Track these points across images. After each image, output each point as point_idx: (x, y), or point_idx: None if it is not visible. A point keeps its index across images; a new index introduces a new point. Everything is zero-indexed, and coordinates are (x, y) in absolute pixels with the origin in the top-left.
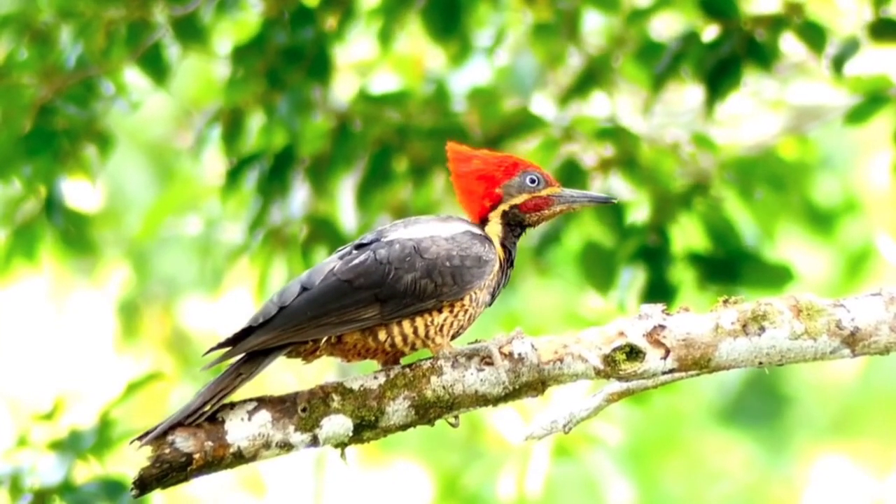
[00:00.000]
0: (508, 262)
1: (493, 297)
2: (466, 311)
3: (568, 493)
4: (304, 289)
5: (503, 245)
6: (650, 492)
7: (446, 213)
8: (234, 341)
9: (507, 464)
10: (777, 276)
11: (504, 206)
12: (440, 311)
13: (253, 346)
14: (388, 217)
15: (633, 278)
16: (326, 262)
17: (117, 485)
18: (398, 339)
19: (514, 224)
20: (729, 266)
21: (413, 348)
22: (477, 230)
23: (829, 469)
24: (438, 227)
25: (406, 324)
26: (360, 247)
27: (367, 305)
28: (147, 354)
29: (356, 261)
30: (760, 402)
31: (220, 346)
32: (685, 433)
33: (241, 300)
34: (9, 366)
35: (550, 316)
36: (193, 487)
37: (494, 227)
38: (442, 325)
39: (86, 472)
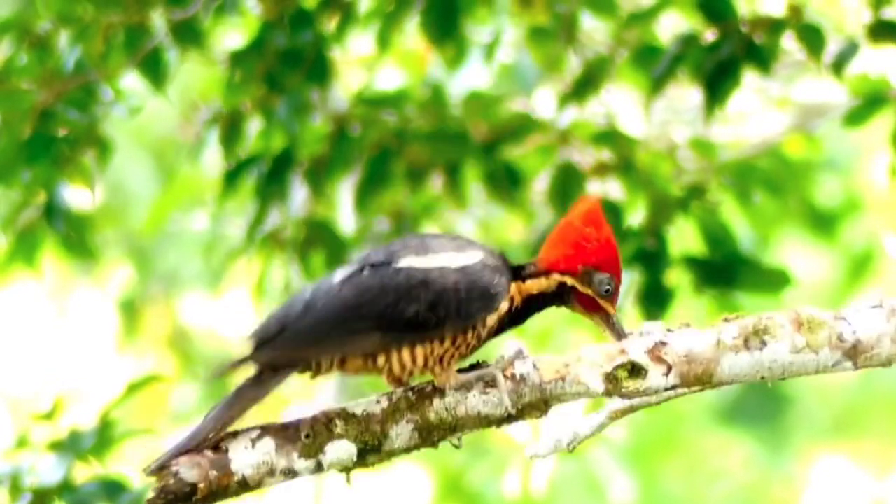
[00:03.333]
0: (520, 313)
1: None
2: (468, 342)
3: (569, 491)
4: (307, 307)
5: (529, 298)
6: (650, 490)
7: (457, 231)
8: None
9: (511, 463)
10: (774, 281)
11: (570, 281)
12: (441, 341)
13: (260, 363)
14: (385, 220)
15: (629, 282)
16: (331, 279)
17: (117, 485)
18: (396, 367)
19: (557, 296)
20: (726, 270)
21: (411, 375)
22: (493, 261)
23: (829, 469)
24: (452, 256)
25: (405, 352)
26: (370, 265)
27: (368, 333)
28: (148, 353)
29: (362, 287)
30: (761, 402)
31: (224, 367)
32: (685, 432)
33: (241, 299)
34: (9, 365)
35: (553, 317)
36: None
37: (542, 283)
38: (441, 356)
39: (86, 472)
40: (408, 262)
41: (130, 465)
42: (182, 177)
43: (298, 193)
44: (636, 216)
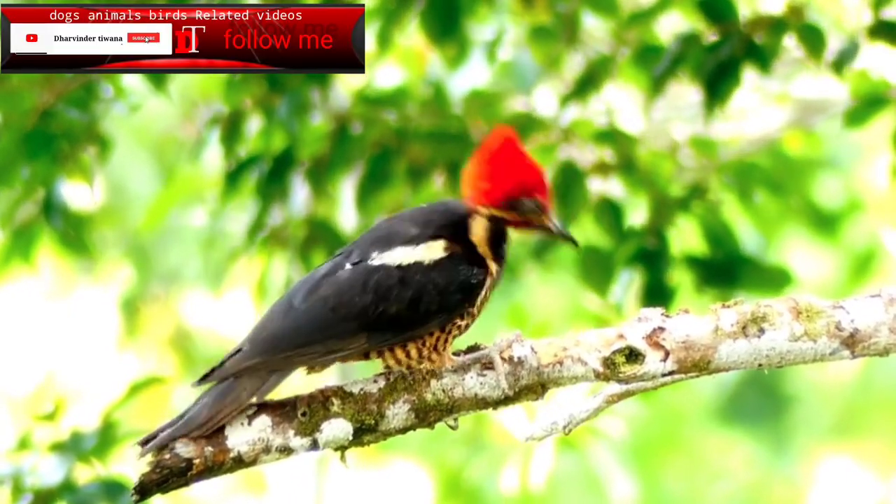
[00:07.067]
0: (499, 259)
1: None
2: (459, 327)
3: (570, 490)
4: (288, 308)
5: (490, 244)
6: (651, 490)
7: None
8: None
9: (510, 458)
10: (775, 280)
11: (498, 214)
12: (431, 334)
13: (240, 370)
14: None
15: (631, 281)
16: (312, 279)
17: (118, 485)
18: (392, 363)
19: (502, 229)
20: (727, 269)
21: (409, 368)
22: (460, 248)
23: (832, 469)
24: (420, 250)
25: (398, 350)
26: (346, 260)
27: (353, 335)
28: (150, 352)
29: (340, 286)
30: (761, 402)
31: (212, 371)
32: (686, 432)
33: (243, 299)
34: (9, 365)
35: (554, 310)
36: (194, 489)
37: (481, 225)
38: (435, 345)
39: (87, 473)
40: (381, 258)
41: (131, 466)
42: (182, 174)
43: (300, 192)
44: (637, 215)
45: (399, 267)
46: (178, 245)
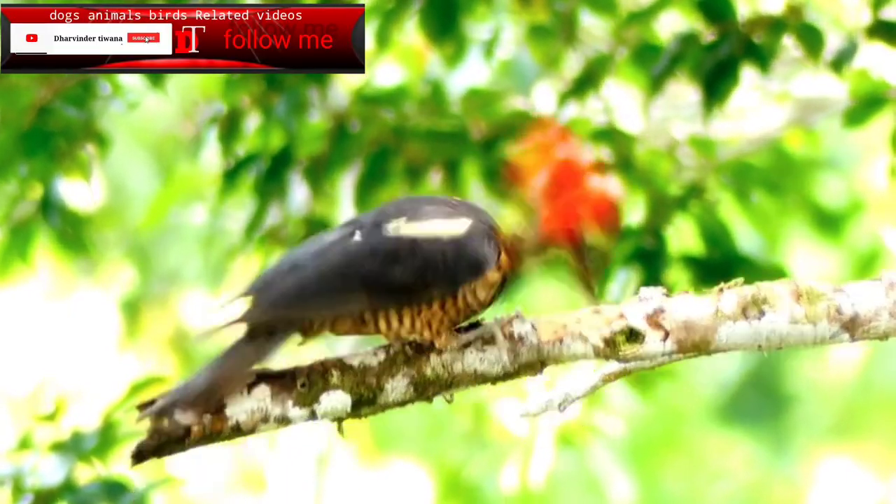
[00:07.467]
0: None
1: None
2: (458, 308)
3: (570, 490)
4: (294, 266)
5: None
6: (651, 490)
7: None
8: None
9: (510, 455)
10: (772, 279)
11: (566, 255)
12: (429, 305)
13: (243, 321)
14: None
15: (628, 280)
16: (321, 240)
17: (119, 486)
18: (383, 328)
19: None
20: (724, 269)
21: (398, 337)
22: (483, 228)
23: (832, 469)
24: (442, 223)
25: (392, 314)
26: (360, 229)
27: (355, 294)
28: (150, 353)
29: (351, 250)
30: (761, 402)
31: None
32: (686, 432)
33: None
34: (9, 365)
35: (554, 309)
36: (193, 488)
37: (536, 251)
38: (430, 321)
39: (88, 473)
40: (398, 227)
41: (131, 468)
42: (181, 173)
43: (298, 191)
44: (635, 214)
45: (413, 237)
46: (177, 245)
